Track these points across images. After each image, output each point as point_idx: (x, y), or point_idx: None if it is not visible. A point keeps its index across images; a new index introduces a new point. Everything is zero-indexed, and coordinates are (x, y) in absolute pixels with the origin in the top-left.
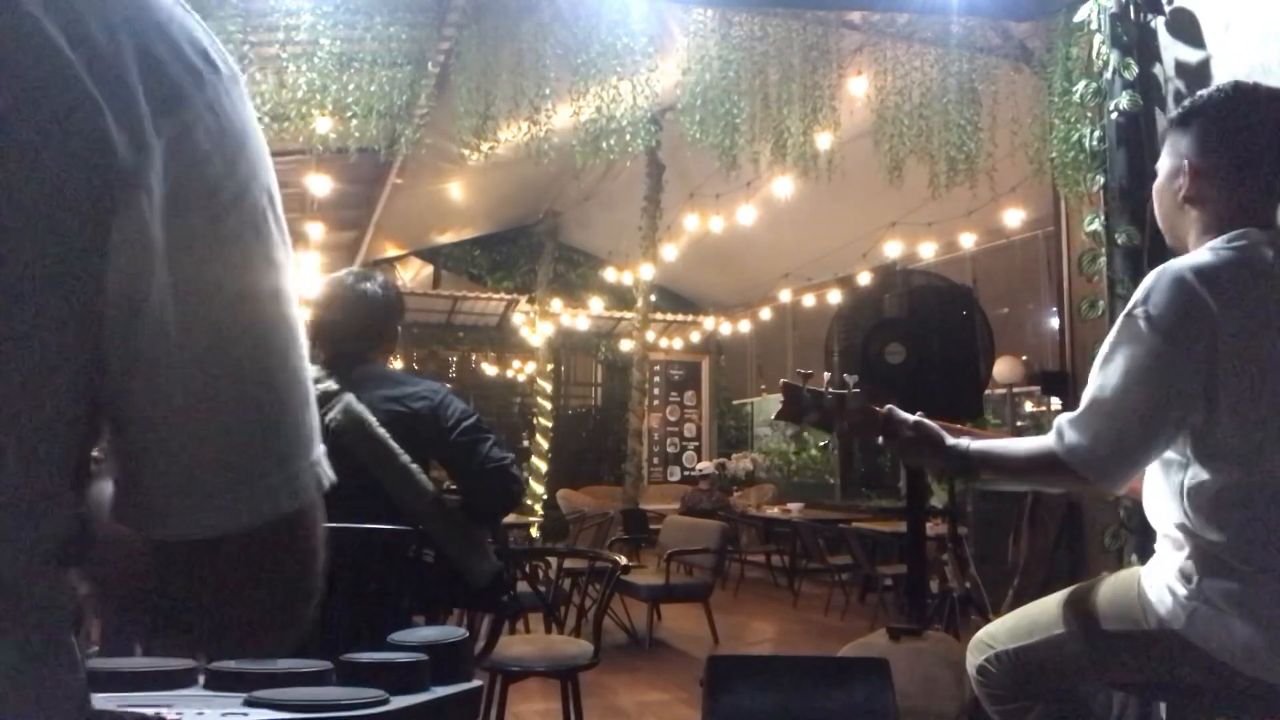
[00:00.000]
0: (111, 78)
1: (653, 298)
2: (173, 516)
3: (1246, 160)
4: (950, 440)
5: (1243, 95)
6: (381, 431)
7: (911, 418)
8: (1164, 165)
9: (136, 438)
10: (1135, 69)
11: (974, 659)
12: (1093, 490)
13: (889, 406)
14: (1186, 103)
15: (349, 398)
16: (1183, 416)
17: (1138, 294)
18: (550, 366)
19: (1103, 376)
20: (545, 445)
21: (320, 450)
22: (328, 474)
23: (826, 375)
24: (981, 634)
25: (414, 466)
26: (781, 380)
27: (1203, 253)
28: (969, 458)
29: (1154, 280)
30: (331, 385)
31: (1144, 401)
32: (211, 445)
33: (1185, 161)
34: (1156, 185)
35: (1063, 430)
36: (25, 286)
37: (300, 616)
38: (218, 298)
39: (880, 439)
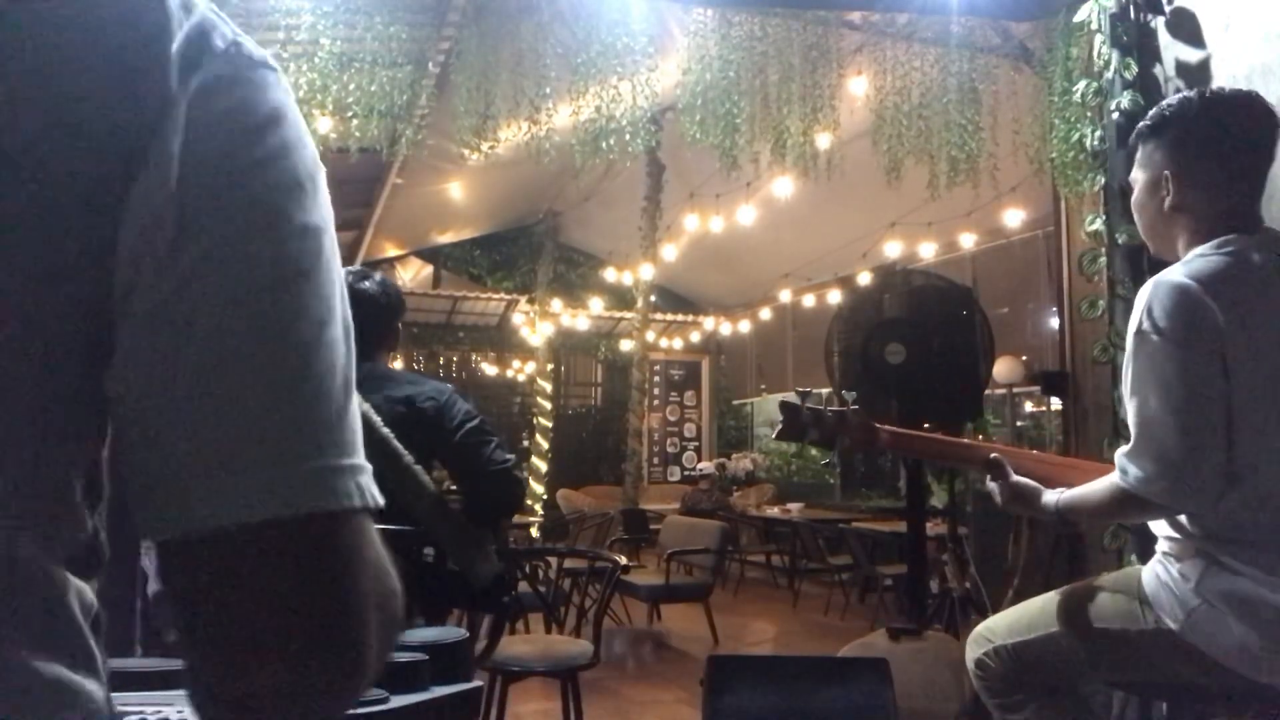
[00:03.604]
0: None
1: (653, 298)
2: (170, 507)
3: (1229, 164)
4: (1043, 499)
5: (1217, 100)
6: (386, 431)
7: (1013, 477)
8: (1140, 177)
9: (131, 420)
10: (1135, 69)
11: (973, 652)
12: (1183, 513)
13: (996, 456)
14: (1156, 112)
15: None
16: (1226, 413)
17: (1139, 311)
18: (550, 366)
19: (1139, 402)
20: (545, 445)
21: (367, 465)
22: (374, 493)
23: (826, 391)
24: (981, 628)
25: (417, 467)
26: (780, 400)
27: (1193, 260)
28: (1058, 512)
29: (1151, 293)
30: None
31: (1191, 412)
32: (221, 424)
33: (1166, 171)
34: (1136, 198)
35: (1125, 466)
36: (31, 275)
37: (338, 667)
38: (236, 262)
39: (988, 482)
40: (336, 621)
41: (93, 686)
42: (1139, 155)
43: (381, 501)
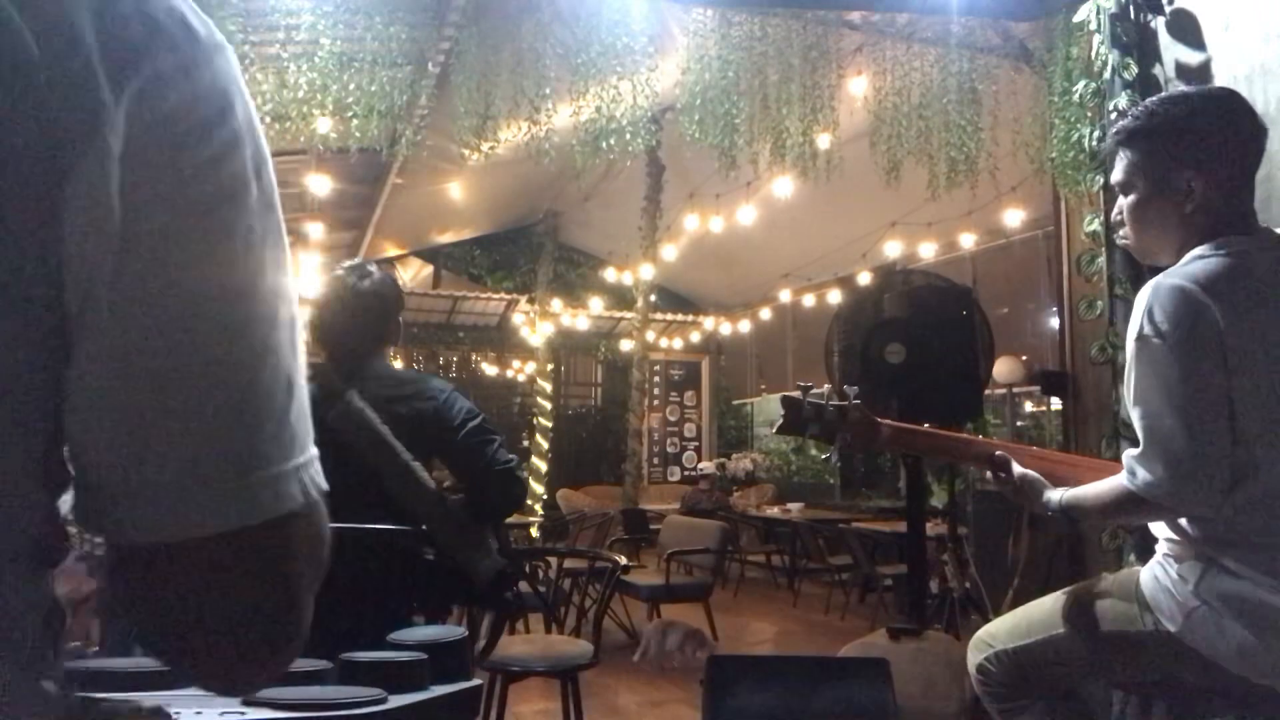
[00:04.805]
0: (59, 34)
1: (653, 298)
2: (128, 518)
3: (1244, 163)
4: (1046, 494)
5: (1219, 100)
6: (384, 429)
7: (1018, 470)
8: (1142, 179)
9: (88, 429)
10: (1135, 69)
11: (974, 658)
12: (1190, 515)
13: (1001, 453)
14: (1150, 114)
15: (351, 394)
16: (1231, 415)
17: (1139, 315)
18: (550, 366)
19: (1145, 406)
20: (545, 445)
21: (312, 453)
22: (318, 480)
23: (827, 387)
24: (981, 633)
25: (416, 465)
26: (782, 395)
27: (1191, 262)
28: (1063, 509)
29: (1151, 296)
30: (334, 383)
31: (1197, 415)
32: (174, 441)
33: (1188, 174)
34: (1140, 202)
35: (1134, 468)
36: None
37: (279, 644)
38: (183, 272)
39: (992, 476)
40: (283, 611)
41: (48, 687)
42: (1132, 158)
43: (325, 486)
